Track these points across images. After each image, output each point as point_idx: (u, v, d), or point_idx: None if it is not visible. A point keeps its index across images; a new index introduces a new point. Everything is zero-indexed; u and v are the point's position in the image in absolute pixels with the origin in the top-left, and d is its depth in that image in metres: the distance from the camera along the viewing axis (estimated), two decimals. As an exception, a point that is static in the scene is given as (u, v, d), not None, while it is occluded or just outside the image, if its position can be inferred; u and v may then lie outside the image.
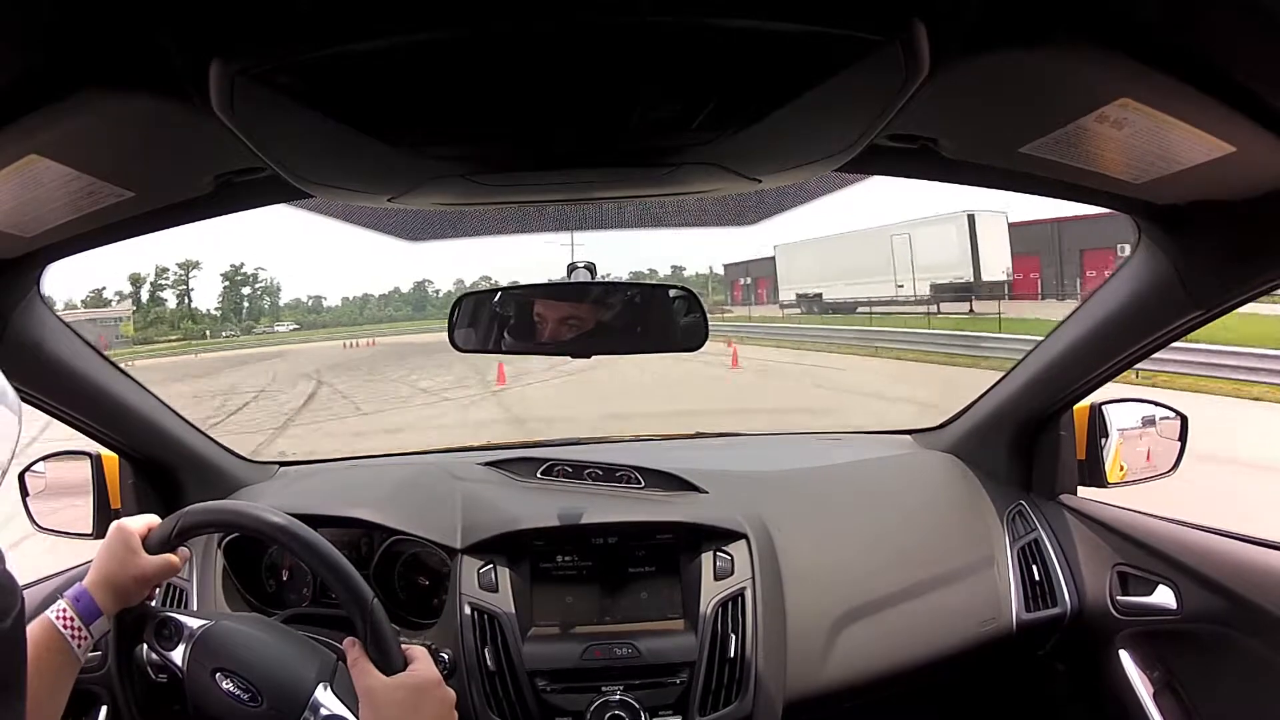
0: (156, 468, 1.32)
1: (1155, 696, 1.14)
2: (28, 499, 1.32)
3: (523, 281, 1.09)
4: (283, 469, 1.56)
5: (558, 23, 0.46)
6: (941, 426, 1.58)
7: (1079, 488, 1.36)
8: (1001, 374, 1.41)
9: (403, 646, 0.80)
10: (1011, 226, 23.50)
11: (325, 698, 0.81)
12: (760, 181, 0.74)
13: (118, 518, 1.30)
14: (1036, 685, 1.36)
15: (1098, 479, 1.33)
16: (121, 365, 1.22)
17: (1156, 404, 1.34)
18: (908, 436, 1.63)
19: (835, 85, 0.53)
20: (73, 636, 0.77)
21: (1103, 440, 1.33)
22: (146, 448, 1.29)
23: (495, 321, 1.07)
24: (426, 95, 0.54)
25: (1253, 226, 0.75)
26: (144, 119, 0.57)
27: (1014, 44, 0.52)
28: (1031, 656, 1.30)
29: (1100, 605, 1.21)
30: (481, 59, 0.49)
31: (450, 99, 0.55)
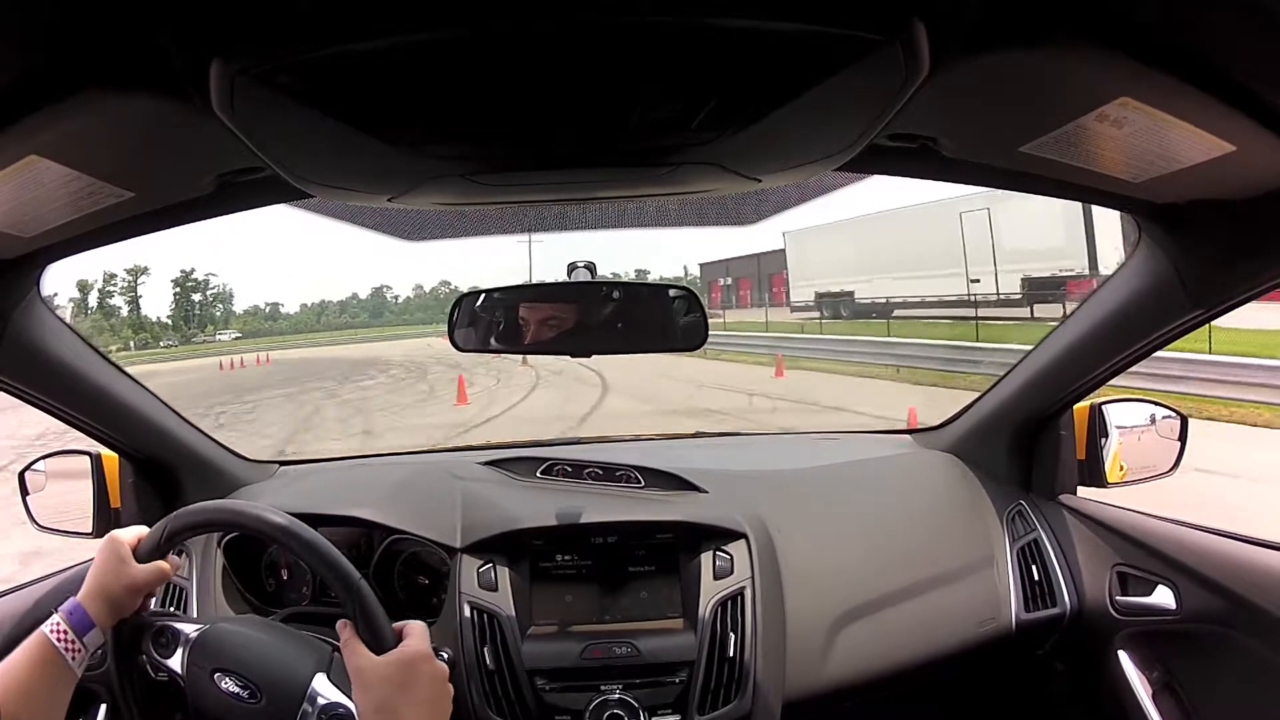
0: (156, 467, 1.32)
1: (1154, 697, 1.14)
2: (27, 498, 1.32)
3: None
4: (283, 468, 1.56)
5: (558, 23, 0.46)
6: (941, 426, 1.58)
7: (1079, 488, 1.36)
8: (999, 375, 1.41)
9: (398, 624, 0.80)
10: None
11: (322, 686, 0.82)
12: (760, 181, 0.74)
13: (118, 517, 1.31)
14: (1036, 685, 1.36)
15: (1097, 479, 1.33)
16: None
17: (1156, 404, 1.34)
18: (907, 436, 1.63)
19: (835, 85, 0.53)
20: (67, 650, 0.78)
21: (1102, 440, 1.33)
22: (146, 447, 1.29)
23: (495, 321, 1.07)
24: (427, 95, 0.54)
25: (1253, 226, 0.75)
26: (144, 119, 0.57)
27: (1014, 43, 0.52)
28: (1031, 656, 1.30)
29: (1099, 605, 1.21)
30: (481, 59, 0.49)
31: (450, 99, 0.55)
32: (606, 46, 0.49)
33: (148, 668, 0.86)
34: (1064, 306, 14.13)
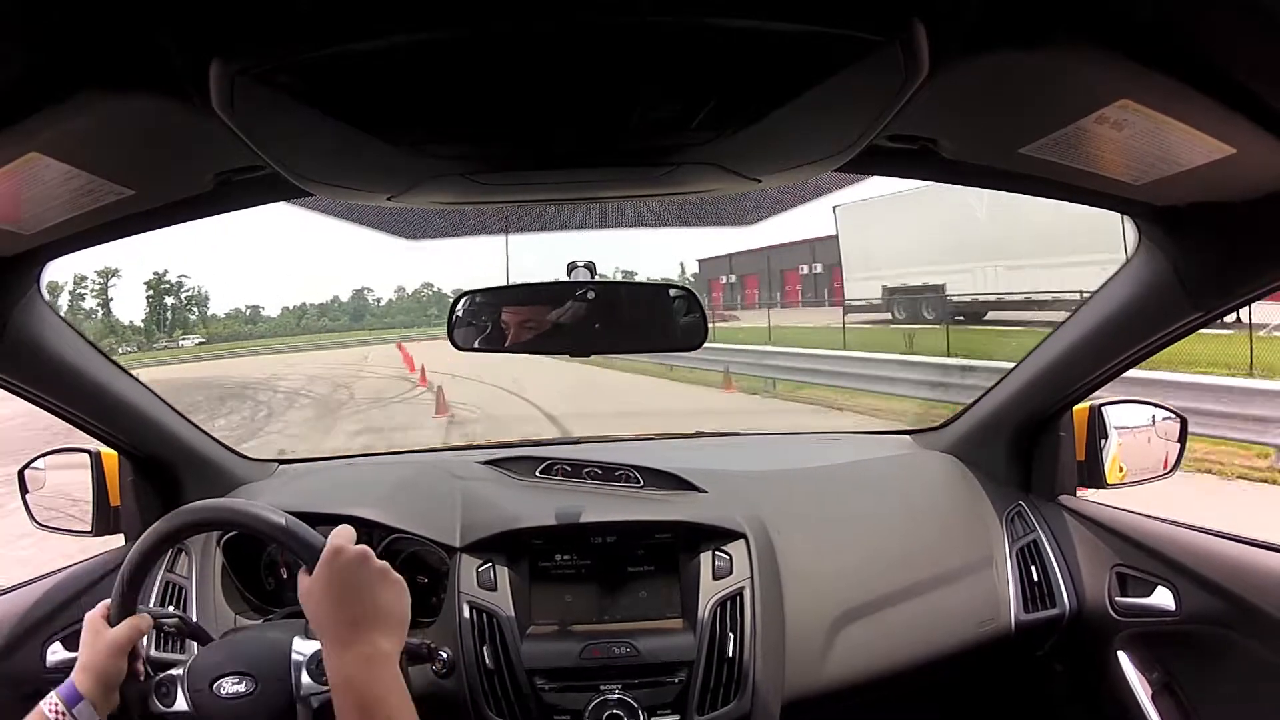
0: (156, 465, 1.32)
1: (1154, 697, 1.14)
2: (27, 496, 1.32)
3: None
4: (282, 467, 1.56)
5: (557, 22, 0.46)
6: (941, 427, 1.58)
7: (1078, 489, 1.36)
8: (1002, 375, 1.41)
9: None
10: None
11: (301, 645, 0.86)
12: (760, 181, 0.74)
13: (117, 515, 1.31)
14: (1035, 686, 1.36)
15: (1097, 480, 1.33)
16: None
17: (1156, 405, 1.34)
18: (907, 437, 1.63)
19: (834, 85, 0.53)
20: None
21: (1102, 441, 1.33)
22: (146, 445, 1.29)
23: (494, 320, 1.07)
24: (426, 94, 0.54)
25: (1253, 228, 0.75)
26: (144, 118, 0.58)
27: (1014, 44, 0.52)
28: (1030, 657, 1.30)
29: (1099, 606, 1.21)
30: (481, 58, 0.49)
31: (450, 98, 0.55)
32: (606, 46, 0.49)
33: (147, 667, 0.88)
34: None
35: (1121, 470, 1.34)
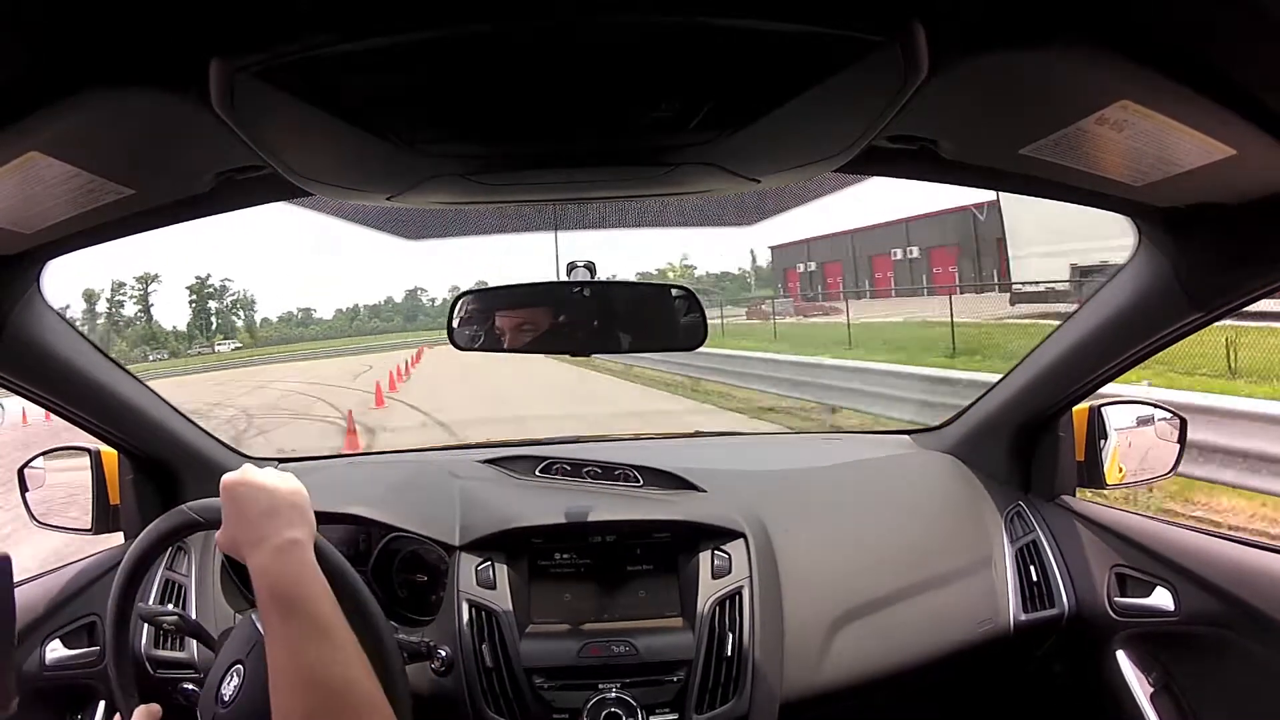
0: (156, 464, 1.32)
1: (1152, 698, 1.14)
2: (27, 494, 1.32)
3: (520, 281, 1.09)
4: (281, 465, 1.56)
5: (557, 22, 0.46)
6: (941, 427, 1.58)
7: (1078, 489, 1.36)
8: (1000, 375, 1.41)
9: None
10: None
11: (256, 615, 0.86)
12: (759, 182, 0.74)
13: (117, 514, 1.31)
14: (1034, 686, 1.36)
15: (1096, 480, 1.33)
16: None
17: (1155, 405, 1.34)
18: (907, 437, 1.63)
19: (834, 86, 0.53)
20: None
21: (1101, 442, 1.33)
22: (146, 444, 1.29)
23: (494, 320, 1.07)
24: (425, 94, 0.54)
25: (1253, 229, 0.75)
26: (144, 116, 0.58)
27: (1014, 45, 0.52)
28: (1029, 657, 1.30)
29: (1098, 606, 1.21)
30: (480, 58, 0.49)
31: (449, 98, 0.55)
32: (605, 46, 0.49)
33: (146, 664, 0.88)
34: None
35: (1121, 471, 1.34)
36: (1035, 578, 1.27)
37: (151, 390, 1.27)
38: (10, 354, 0.95)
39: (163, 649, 1.16)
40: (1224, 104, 0.54)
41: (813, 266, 30.69)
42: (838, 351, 11.33)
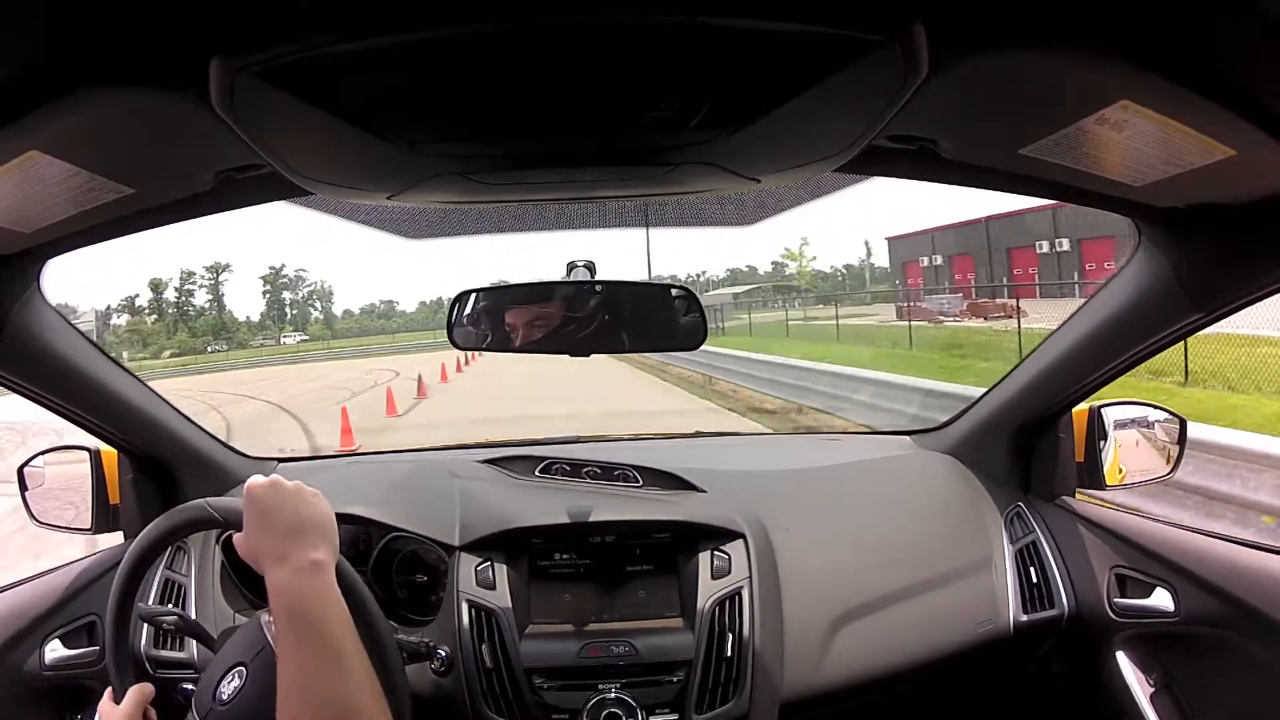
0: (155, 463, 1.32)
1: (1152, 698, 1.14)
2: (26, 494, 1.32)
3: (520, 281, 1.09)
4: (281, 465, 1.56)
5: (557, 21, 0.46)
6: (941, 428, 1.58)
7: (1077, 490, 1.36)
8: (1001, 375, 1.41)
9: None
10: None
11: (268, 616, 0.86)
12: (759, 182, 0.74)
13: (116, 513, 1.31)
14: (1034, 687, 1.36)
15: (1096, 481, 1.33)
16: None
17: (1155, 406, 1.34)
18: (907, 437, 1.63)
19: (833, 86, 0.53)
20: None
21: (1101, 442, 1.33)
22: (145, 443, 1.29)
23: (494, 319, 1.07)
24: (425, 94, 0.54)
25: (1253, 230, 0.75)
26: (144, 115, 0.58)
27: (1014, 45, 0.52)
28: (1029, 658, 1.30)
29: (1098, 607, 1.21)
30: (480, 57, 0.49)
31: (449, 97, 0.55)
32: (605, 46, 0.49)
33: (145, 664, 0.88)
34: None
35: (1121, 471, 1.34)
36: (1035, 578, 1.27)
37: (151, 390, 1.27)
38: (10, 353, 0.95)
39: (162, 649, 1.16)
40: (1224, 104, 0.54)
41: (938, 260, 26.58)
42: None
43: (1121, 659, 1.18)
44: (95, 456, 1.31)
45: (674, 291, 1.07)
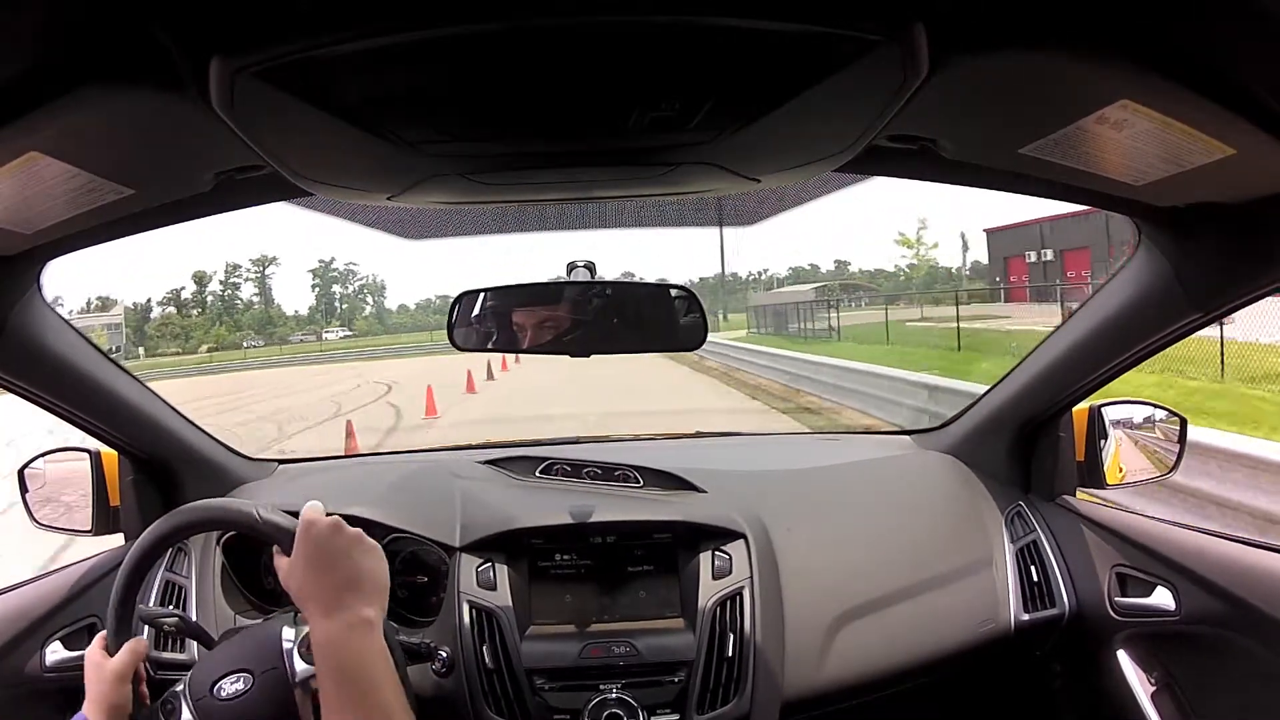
0: (156, 465, 1.32)
1: (1153, 697, 1.14)
2: (27, 495, 1.32)
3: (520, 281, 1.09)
4: (282, 466, 1.56)
5: (557, 21, 0.46)
6: (941, 427, 1.58)
7: (1078, 489, 1.36)
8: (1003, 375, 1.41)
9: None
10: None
11: (290, 632, 0.86)
12: (759, 181, 0.74)
13: (117, 515, 1.31)
14: (1035, 686, 1.36)
15: (1096, 480, 1.33)
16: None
17: (1155, 405, 1.34)
18: (907, 437, 1.63)
19: (834, 85, 0.53)
20: None
21: (1102, 442, 1.33)
22: (146, 445, 1.29)
23: (494, 320, 1.07)
24: (425, 94, 0.54)
25: (1253, 229, 0.75)
26: (144, 116, 0.58)
27: (1014, 45, 0.52)
28: (1030, 657, 1.30)
29: (1099, 606, 1.21)
30: (480, 57, 0.49)
31: (449, 98, 0.55)
32: (605, 46, 0.49)
33: (146, 667, 0.88)
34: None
35: (1121, 471, 1.34)
36: (1036, 578, 1.27)
37: (151, 391, 1.27)
38: (10, 354, 0.95)
39: (163, 651, 1.16)
40: (1224, 103, 0.54)
41: (1049, 255, 23.37)
42: None
43: (1122, 658, 1.18)
44: (95, 458, 1.31)
45: (674, 292, 1.07)
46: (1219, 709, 1.06)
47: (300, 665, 0.85)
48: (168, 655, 1.15)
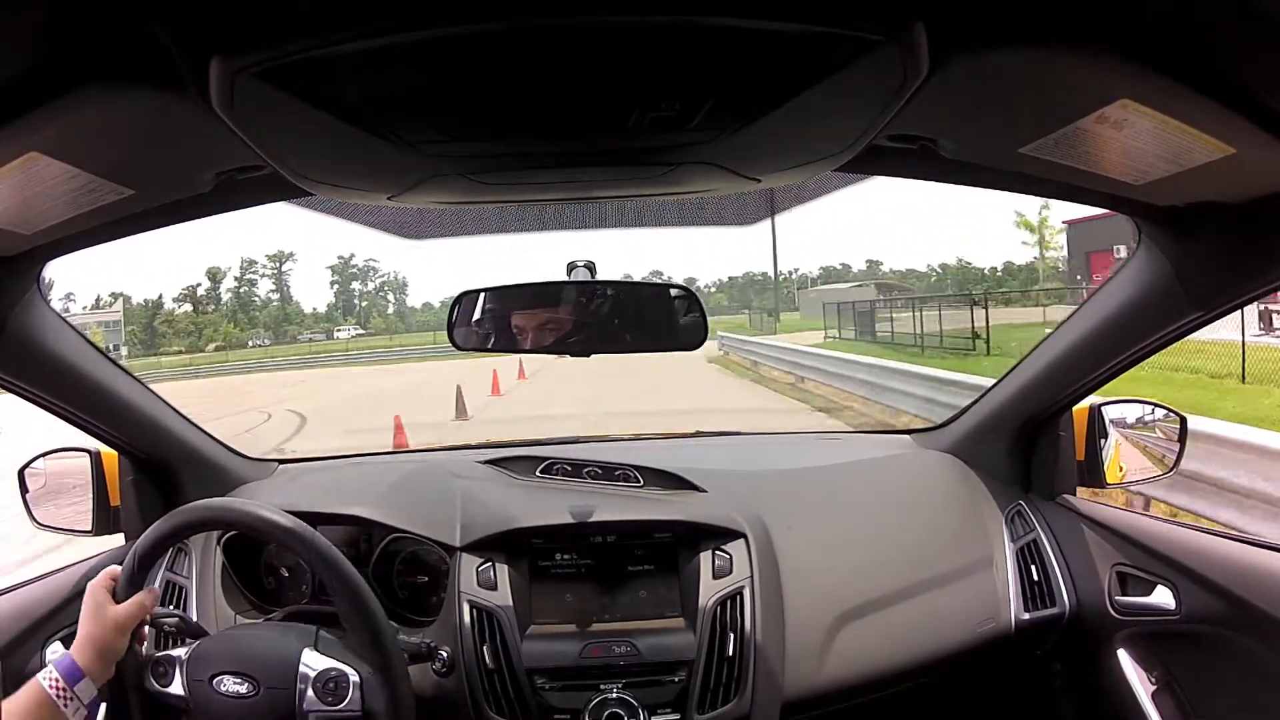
0: (156, 465, 1.32)
1: (1153, 696, 1.14)
2: (27, 496, 1.32)
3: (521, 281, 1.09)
4: (282, 466, 1.56)
5: (557, 21, 0.46)
6: (941, 426, 1.58)
7: (1078, 488, 1.36)
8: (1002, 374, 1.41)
9: None
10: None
11: (311, 659, 0.85)
12: (759, 181, 0.74)
13: (117, 515, 1.31)
14: (1035, 685, 1.36)
15: (1097, 479, 1.33)
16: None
17: (1155, 404, 1.34)
18: (907, 436, 1.63)
19: (834, 85, 0.53)
20: (61, 699, 0.80)
21: (1102, 441, 1.33)
22: (145, 444, 1.29)
23: (494, 320, 1.07)
24: (425, 94, 0.54)
25: (1253, 228, 0.75)
26: (144, 116, 0.58)
27: (1014, 44, 0.52)
28: (1030, 656, 1.30)
29: (1099, 605, 1.21)
30: (481, 57, 0.49)
31: (449, 97, 0.55)
32: (605, 46, 0.49)
33: (154, 687, 0.88)
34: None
35: (1121, 470, 1.34)
36: (1036, 577, 1.27)
37: (151, 391, 1.27)
38: (10, 355, 0.95)
39: (163, 650, 1.16)
40: (1224, 103, 0.54)
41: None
42: None
43: (1123, 657, 1.18)
44: (95, 458, 1.31)
45: (674, 291, 1.07)
46: (1219, 708, 1.06)
47: (312, 698, 0.84)
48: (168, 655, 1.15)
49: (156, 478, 1.33)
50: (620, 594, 1.22)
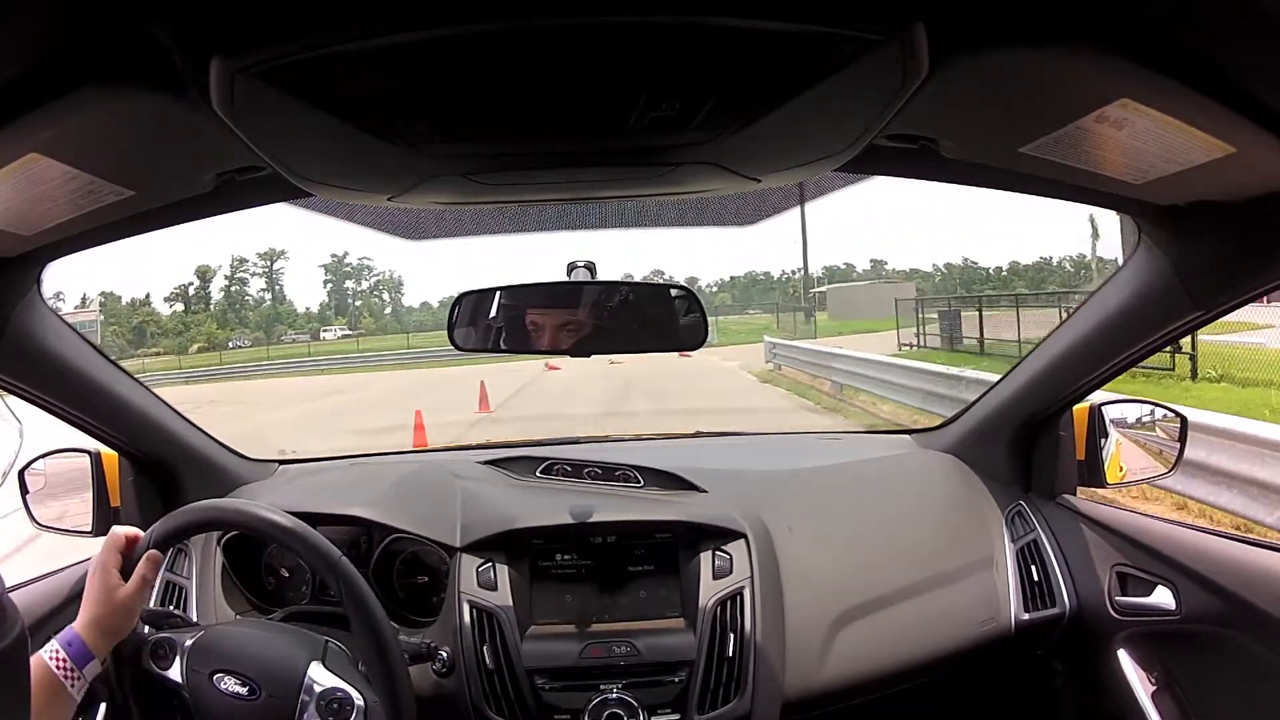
0: (156, 465, 1.32)
1: (1154, 696, 1.14)
2: (27, 497, 1.32)
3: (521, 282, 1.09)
4: (282, 467, 1.56)
5: (557, 21, 0.46)
6: (941, 426, 1.58)
7: (1078, 488, 1.36)
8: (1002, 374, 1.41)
9: None
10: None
11: (318, 674, 0.84)
12: (759, 181, 0.74)
13: (117, 515, 1.31)
14: (1035, 685, 1.36)
15: (1097, 479, 1.33)
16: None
17: (1156, 404, 1.34)
18: (908, 436, 1.63)
19: (834, 85, 0.53)
20: (66, 677, 0.81)
21: (1102, 440, 1.33)
22: (146, 445, 1.29)
23: (494, 320, 1.07)
24: (426, 94, 0.54)
25: (1253, 227, 0.75)
26: (144, 117, 0.58)
27: (1014, 44, 0.52)
28: (1030, 656, 1.30)
29: (1099, 605, 1.21)
30: (481, 57, 0.49)
31: (450, 98, 0.55)
32: (605, 45, 0.49)
33: (151, 668, 0.88)
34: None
35: (1121, 470, 1.34)
36: (1036, 577, 1.27)
37: (151, 391, 1.27)
38: (10, 356, 0.95)
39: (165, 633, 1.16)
40: (1224, 102, 0.54)
41: None
42: None
43: (1123, 657, 1.18)
44: (96, 459, 1.31)
45: (674, 291, 1.07)
46: (1219, 708, 1.06)
47: (313, 713, 0.83)
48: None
49: (157, 478, 1.33)
50: (620, 594, 1.22)
